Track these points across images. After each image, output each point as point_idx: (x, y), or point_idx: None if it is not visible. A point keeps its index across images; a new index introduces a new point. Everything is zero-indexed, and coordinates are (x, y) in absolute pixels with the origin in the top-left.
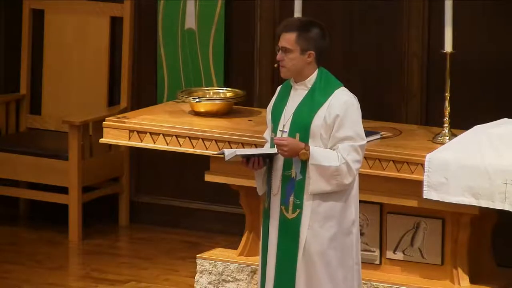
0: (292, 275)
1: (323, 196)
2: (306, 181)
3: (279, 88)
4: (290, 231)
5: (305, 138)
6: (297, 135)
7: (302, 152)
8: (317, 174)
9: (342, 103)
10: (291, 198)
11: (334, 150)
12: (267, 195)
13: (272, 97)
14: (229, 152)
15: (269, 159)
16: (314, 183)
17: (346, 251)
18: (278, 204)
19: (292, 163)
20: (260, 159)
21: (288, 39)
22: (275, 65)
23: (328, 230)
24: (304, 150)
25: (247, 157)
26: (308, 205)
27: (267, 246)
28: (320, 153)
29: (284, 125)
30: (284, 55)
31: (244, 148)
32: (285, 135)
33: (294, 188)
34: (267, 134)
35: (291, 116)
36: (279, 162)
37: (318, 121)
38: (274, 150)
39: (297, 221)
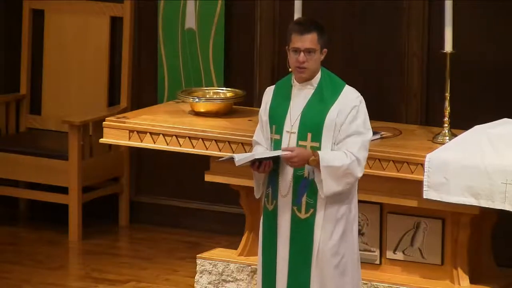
0: (307, 273)
1: (335, 194)
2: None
3: (272, 88)
4: (303, 231)
5: (317, 137)
6: (309, 135)
7: (311, 159)
8: (329, 176)
9: (355, 98)
10: (304, 198)
11: (340, 148)
12: (273, 197)
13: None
14: (240, 158)
15: (273, 161)
16: (327, 185)
17: (352, 247)
18: (289, 205)
19: None
20: (271, 161)
21: (311, 39)
22: (290, 70)
23: (339, 227)
24: (313, 157)
25: (261, 160)
26: (321, 204)
27: (274, 247)
28: (329, 155)
29: (292, 125)
30: (308, 56)
31: (244, 148)
32: (294, 136)
33: (307, 187)
34: (258, 137)
35: (299, 116)
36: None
37: (331, 118)
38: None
39: (311, 221)
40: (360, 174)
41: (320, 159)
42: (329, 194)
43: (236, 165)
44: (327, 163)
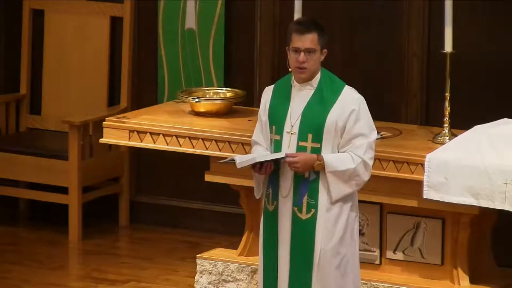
0: (308, 274)
1: (345, 196)
2: (320, 181)
3: (271, 88)
4: (304, 232)
5: (318, 138)
6: (309, 136)
7: (316, 164)
8: (336, 180)
9: (356, 99)
10: (305, 199)
11: (346, 150)
12: (273, 197)
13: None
14: (241, 160)
15: (274, 161)
16: (335, 189)
17: (353, 247)
18: (290, 206)
19: None
20: (272, 163)
21: (312, 39)
22: (290, 70)
23: (340, 228)
24: (318, 161)
25: (262, 163)
26: (322, 204)
27: (275, 248)
28: (334, 159)
29: (292, 126)
30: (308, 56)
31: (244, 148)
32: (294, 137)
33: (308, 188)
34: (258, 137)
35: (300, 117)
36: None
37: (332, 119)
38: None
39: (312, 221)
40: (368, 175)
41: (325, 165)
42: (339, 198)
43: (238, 167)
44: (334, 169)
